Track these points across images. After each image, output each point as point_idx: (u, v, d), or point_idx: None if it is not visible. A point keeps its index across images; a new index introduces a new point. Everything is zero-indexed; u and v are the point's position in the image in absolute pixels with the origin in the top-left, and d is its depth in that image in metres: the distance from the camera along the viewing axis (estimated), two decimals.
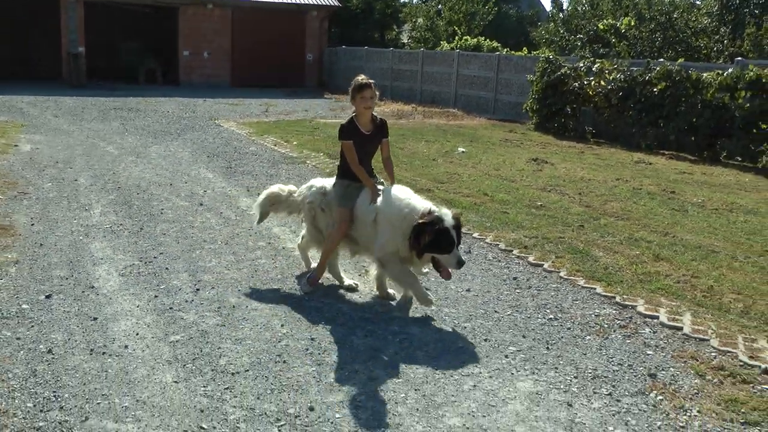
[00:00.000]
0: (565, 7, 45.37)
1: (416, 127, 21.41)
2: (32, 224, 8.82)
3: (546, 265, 7.96)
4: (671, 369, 5.50)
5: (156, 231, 8.77)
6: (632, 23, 35.07)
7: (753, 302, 7.00)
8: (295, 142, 17.01)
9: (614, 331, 6.21)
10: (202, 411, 4.58)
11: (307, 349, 5.58)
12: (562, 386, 5.14)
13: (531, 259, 8.20)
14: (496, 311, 6.59)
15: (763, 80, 16.20)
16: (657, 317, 6.53)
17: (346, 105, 27.49)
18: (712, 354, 5.79)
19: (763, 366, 5.55)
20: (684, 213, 10.93)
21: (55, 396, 4.68)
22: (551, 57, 22.86)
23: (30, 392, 4.71)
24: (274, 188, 7.61)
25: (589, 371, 5.39)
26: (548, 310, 6.64)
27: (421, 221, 6.12)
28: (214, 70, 37.40)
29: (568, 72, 21.44)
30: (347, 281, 7.14)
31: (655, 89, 18.76)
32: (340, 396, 4.86)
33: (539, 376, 5.28)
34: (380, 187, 6.70)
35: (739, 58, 19.33)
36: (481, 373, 5.30)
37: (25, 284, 6.73)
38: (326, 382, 5.06)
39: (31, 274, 7.04)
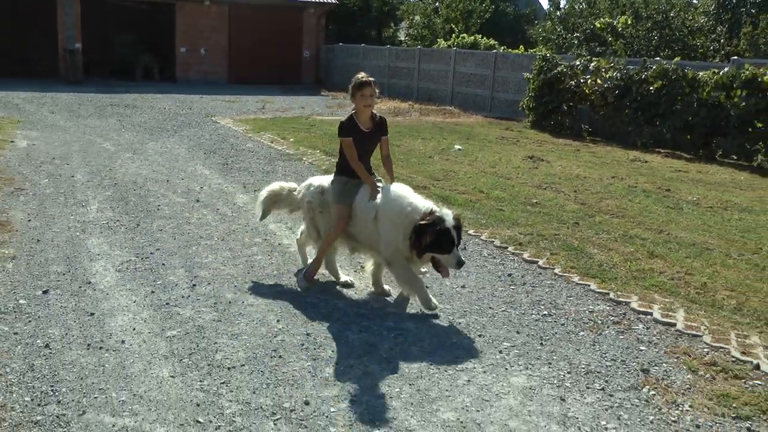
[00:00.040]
0: (562, 6, 45.36)
1: (413, 124, 21.44)
2: (29, 220, 8.84)
3: (541, 262, 8.00)
4: (664, 364, 5.54)
5: (152, 227, 8.80)
6: (629, 22, 35.11)
7: (746, 299, 7.05)
8: (291, 139, 17.04)
9: (608, 327, 6.26)
10: (198, 405, 4.61)
11: (303, 344, 5.62)
12: (555, 381, 5.18)
13: (526, 255, 8.24)
14: (490, 307, 6.63)
15: (759, 79, 16.25)
16: (650, 314, 6.57)
17: (342, 102, 27.53)
18: (705, 350, 5.84)
19: (755, 362, 5.60)
20: (679, 211, 10.98)
21: (52, 390, 4.71)
22: (548, 55, 22.90)
23: (28, 386, 4.75)
24: (275, 186, 7.64)
25: (583, 366, 5.44)
26: (542, 307, 6.69)
27: (422, 222, 6.15)
28: (210, 66, 37.38)
29: (565, 70, 21.48)
30: (343, 277, 7.18)
31: (651, 88, 18.82)
32: (335, 390, 4.90)
33: (533, 372, 5.33)
34: (379, 184, 6.73)
35: (735, 57, 19.38)
36: (475, 368, 5.34)
37: (22, 280, 6.76)
38: (321, 376, 5.10)
39: (28, 269, 7.07)
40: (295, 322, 6.07)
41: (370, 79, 6.77)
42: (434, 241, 6.12)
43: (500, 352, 5.66)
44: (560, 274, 7.65)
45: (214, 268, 7.41)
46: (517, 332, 6.06)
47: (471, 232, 9.12)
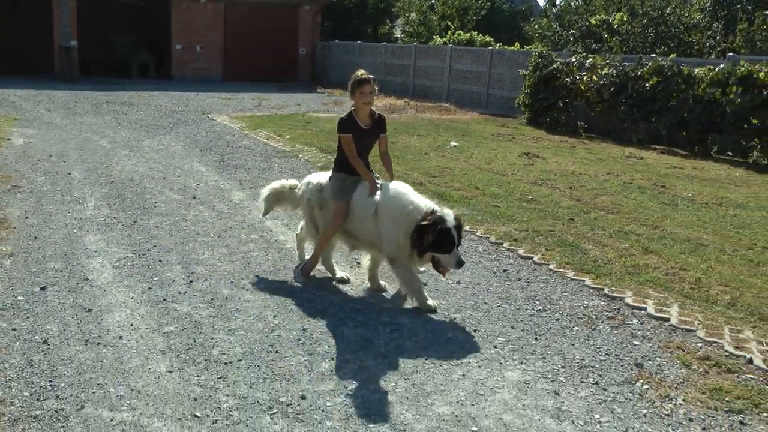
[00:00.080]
0: (557, 2, 45.42)
1: (409, 121, 21.47)
2: (26, 217, 8.87)
3: (536, 258, 8.05)
4: (658, 359, 5.59)
5: (149, 224, 8.83)
6: (625, 19, 35.16)
7: (740, 294, 7.10)
8: (287, 136, 17.07)
9: (602, 322, 6.30)
10: (195, 399, 4.65)
11: (299, 340, 5.66)
12: (549, 375, 5.23)
13: (521, 251, 8.28)
14: (485, 303, 6.67)
15: (754, 76, 16.31)
16: (645, 309, 6.62)
17: (338, 99, 27.56)
18: (699, 344, 5.88)
19: (748, 356, 5.65)
20: (674, 207, 11.03)
21: (51, 385, 4.75)
22: (544, 52, 22.98)
23: (26, 382, 4.78)
24: (276, 184, 7.67)
25: (577, 361, 5.48)
26: (537, 302, 6.73)
27: (424, 222, 6.18)
28: (206, 64, 37.38)
29: (561, 67, 21.53)
30: (339, 273, 7.21)
31: (646, 84, 18.86)
32: (331, 385, 4.94)
33: (527, 366, 5.37)
34: (378, 182, 6.74)
35: (731, 54, 19.45)
36: (470, 362, 5.38)
37: (20, 276, 6.80)
38: (317, 371, 5.14)
39: (25, 266, 7.10)
40: (291, 318, 6.11)
41: (370, 76, 6.80)
42: (435, 240, 6.15)
43: (495, 347, 5.70)
44: (555, 269, 7.69)
45: (210, 264, 7.44)
46: (512, 327, 6.11)
47: (467, 228, 9.14)
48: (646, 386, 5.11)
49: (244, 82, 35.49)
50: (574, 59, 21.75)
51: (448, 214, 6.28)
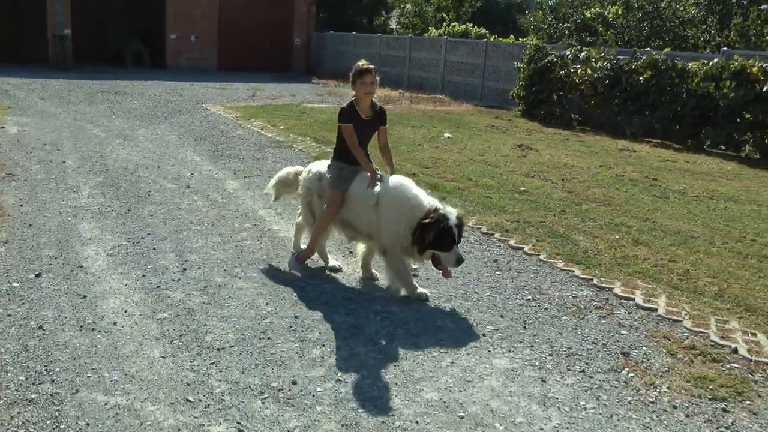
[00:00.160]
0: None
1: (403, 112, 21.51)
2: (21, 205, 8.92)
3: (526, 249, 8.13)
4: (644, 348, 5.67)
5: (143, 212, 8.88)
6: (620, 12, 35.18)
7: (727, 285, 7.19)
8: (281, 126, 17.11)
9: (590, 311, 6.39)
10: (188, 384, 4.72)
11: (291, 327, 5.73)
12: (537, 363, 5.31)
13: (512, 242, 8.36)
14: (475, 292, 6.75)
15: (748, 70, 16.40)
16: (633, 299, 6.70)
17: (333, 90, 27.58)
18: (685, 334, 5.97)
19: (733, 346, 5.74)
20: (665, 200, 11.11)
21: (46, 370, 4.81)
22: (539, 44, 23.02)
23: (22, 366, 4.84)
24: (283, 171, 7.72)
25: (564, 349, 5.57)
26: (527, 292, 6.81)
27: (426, 220, 6.22)
28: (201, 53, 37.34)
29: (555, 60, 21.61)
30: (332, 262, 7.26)
31: (640, 78, 18.94)
32: (321, 371, 5.01)
33: (515, 354, 5.45)
34: (378, 173, 6.76)
35: (725, 48, 19.56)
36: (458, 350, 5.46)
37: (15, 263, 6.85)
38: (309, 357, 5.21)
39: (20, 253, 7.16)
40: (283, 305, 6.18)
41: (371, 66, 6.78)
42: (436, 238, 6.19)
43: (484, 335, 5.78)
44: (545, 260, 7.77)
45: (204, 252, 7.50)
46: (501, 316, 6.18)
47: None
48: (632, 374, 5.19)
49: (238, 72, 35.49)
50: (568, 52, 21.82)
51: (451, 212, 6.31)
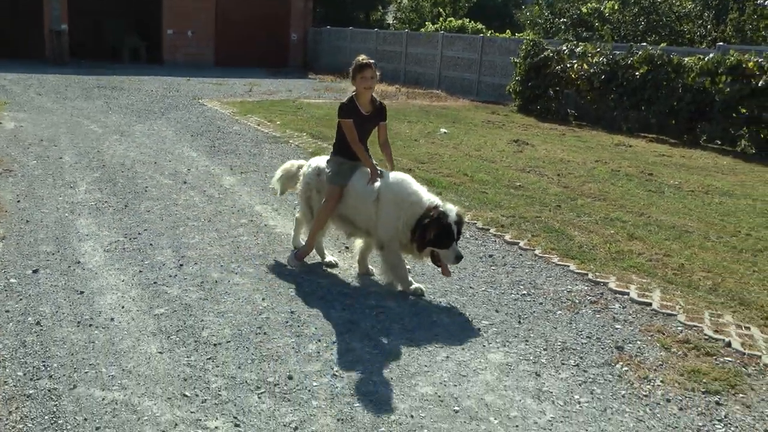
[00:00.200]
0: None
1: (399, 107, 21.52)
2: (18, 201, 8.94)
3: (522, 244, 8.16)
4: (638, 342, 5.71)
5: (140, 208, 8.91)
6: (616, 7, 35.21)
7: (722, 280, 7.23)
8: (278, 122, 17.13)
9: (585, 306, 6.42)
10: (185, 380, 4.75)
11: (287, 322, 5.76)
12: (531, 358, 5.34)
13: (507, 237, 8.39)
14: (471, 287, 6.78)
15: (743, 65, 16.44)
16: (627, 293, 6.74)
17: (329, 85, 27.57)
18: (679, 328, 6.01)
19: (727, 339, 5.78)
20: (660, 194, 11.15)
21: (44, 365, 4.84)
22: (535, 40, 23.03)
23: (20, 362, 4.87)
24: (287, 164, 7.72)
25: (559, 344, 5.60)
26: (522, 287, 6.85)
27: (426, 219, 6.22)
28: (198, 49, 37.33)
29: (552, 55, 21.63)
30: (328, 257, 7.28)
31: (637, 73, 18.97)
32: (317, 366, 5.04)
33: (510, 349, 5.48)
34: (378, 169, 6.75)
35: (721, 43, 19.59)
36: (453, 345, 5.49)
37: (12, 259, 6.88)
38: (305, 352, 5.24)
39: (18, 249, 7.18)
40: (279, 301, 6.21)
41: (371, 61, 6.77)
42: (435, 235, 6.20)
43: (479, 330, 5.81)
44: (540, 255, 7.81)
45: (200, 248, 7.53)
46: (496, 311, 6.22)
47: None
48: (626, 368, 5.23)
49: (235, 67, 35.47)
50: (565, 47, 21.85)
51: (450, 209, 6.32)
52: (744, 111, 16.46)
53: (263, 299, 6.21)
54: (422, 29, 38.64)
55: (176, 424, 4.22)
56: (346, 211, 6.85)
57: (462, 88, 27.60)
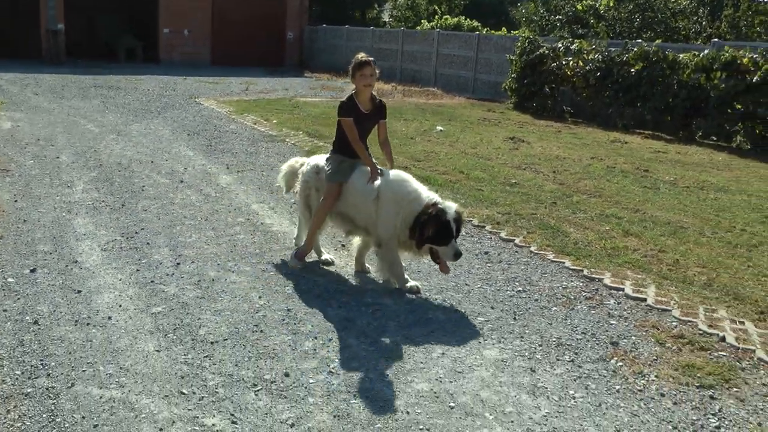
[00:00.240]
0: None
1: (396, 105, 21.51)
2: (15, 201, 8.95)
3: (517, 241, 8.19)
4: (633, 337, 5.75)
5: (137, 207, 8.93)
6: (611, 4, 35.20)
7: (716, 275, 7.27)
8: (275, 121, 17.15)
9: (580, 302, 6.46)
10: (182, 377, 4.78)
11: (284, 320, 5.79)
12: (526, 354, 5.38)
13: (503, 234, 8.42)
14: (466, 284, 6.81)
15: (738, 61, 16.49)
16: (622, 289, 6.77)
17: (326, 84, 27.58)
18: (673, 323, 6.05)
19: (721, 334, 5.81)
20: (656, 191, 11.19)
21: (42, 364, 4.86)
22: (530, 37, 23.06)
23: (18, 361, 4.90)
24: (291, 161, 7.73)
25: (554, 340, 5.64)
26: (517, 283, 6.88)
27: (424, 216, 6.24)
28: (194, 48, 37.32)
29: (547, 52, 21.68)
30: (324, 256, 7.30)
31: (632, 70, 19.03)
32: (314, 363, 5.07)
33: (505, 345, 5.52)
34: (379, 167, 6.75)
35: (716, 40, 19.66)
36: (449, 341, 5.53)
37: (9, 259, 6.89)
38: (301, 350, 5.27)
39: (15, 249, 7.20)
40: (276, 299, 6.24)
41: (370, 59, 6.79)
42: (434, 232, 6.22)
43: (474, 326, 5.84)
44: (536, 252, 7.84)
45: (197, 247, 7.55)
46: (492, 308, 6.25)
47: None
48: (620, 363, 5.27)
49: (231, 66, 35.48)
50: (560, 44, 21.89)
51: (449, 206, 6.32)
52: (739, 107, 16.52)
53: (260, 297, 6.24)
54: (418, 27, 38.62)
55: (173, 422, 4.24)
56: (345, 209, 6.87)
57: (458, 85, 27.64)
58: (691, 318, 6.15)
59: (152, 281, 6.49)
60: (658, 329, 5.91)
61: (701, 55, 17.40)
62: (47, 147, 12.62)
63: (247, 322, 5.70)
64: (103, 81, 25.34)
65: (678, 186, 11.61)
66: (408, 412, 4.46)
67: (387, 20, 53.97)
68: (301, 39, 39.89)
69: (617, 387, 4.92)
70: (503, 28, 33.82)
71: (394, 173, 6.67)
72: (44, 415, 4.24)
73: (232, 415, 4.34)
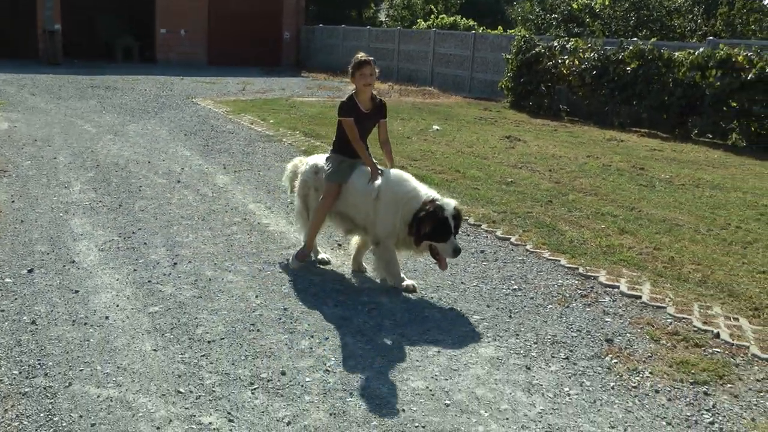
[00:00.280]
0: None
1: (392, 105, 21.30)
2: (13, 201, 8.97)
3: (513, 239, 8.22)
4: (627, 334, 5.78)
5: (134, 207, 8.95)
6: (606, 3, 35.27)
7: (711, 272, 7.30)
8: (271, 121, 17.16)
9: (575, 300, 6.49)
10: (179, 376, 4.80)
11: (280, 319, 5.82)
12: (522, 351, 5.40)
13: (499, 233, 8.45)
14: (462, 282, 6.84)
15: (733, 59, 16.53)
16: (617, 287, 6.80)
17: (323, 84, 27.59)
18: (668, 320, 6.08)
19: (716, 331, 5.85)
20: (651, 188, 11.23)
21: (39, 364, 4.88)
22: (526, 36, 23.09)
23: (15, 360, 4.92)
24: (296, 159, 7.74)
25: (549, 337, 5.67)
26: (513, 281, 6.91)
27: (422, 212, 6.25)
28: (191, 48, 37.33)
29: (543, 51, 21.70)
30: (321, 255, 7.31)
31: (628, 68, 19.06)
32: (310, 362, 5.10)
33: (500, 343, 5.54)
34: (379, 167, 6.76)
35: (711, 38, 19.68)
36: (445, 340, 5.55)
37: (7, 259, 6.91)
38: (297, 348, 5.29)
39: (12, 249, 7.22)
40: (272, 298, 6.26)
41: (370, 58, 6.81)
42: (432, 229, 6.23)
43: (470, 324, 5.87)
44: (531, 250, 7.87)
45: (194, 246, 7.57)
46: (488, 306, 6.28)
47: None
48: (615, 360, 5.30)
49: (228, 66, 35.49)
50: (556, 43, 21.92)
51: (448, 203, 6.33)
52: (734, 104, 16.57)
53: (256, 296, 6.27)
54: (414, 26, 38.68)
55: (171, 420, 4.27)
56: (345, 208, 6.88)
57: (454, 84, 27.66)
58: (685, 315, 6.18)
59: (149, 281, 6.51)
60: (653, 326, 5.94)
61: (696, 54, 17.44)
62: (44, 147, 12.64)
63: (243, 321, 5.72)
64: (100, 81, 25.35)
65: (673, 184, 11.65)
66: (404, 410, 4.49)
67: (383, 20, 54.02)
68: (297, 39, 39.91)
69: (612, 384, 4.95)
70: (499, 27, 33.95)
71: (394, 173, 6.68)
72: (42, 415, 4.27)
73: (229, 413, 4.37)
